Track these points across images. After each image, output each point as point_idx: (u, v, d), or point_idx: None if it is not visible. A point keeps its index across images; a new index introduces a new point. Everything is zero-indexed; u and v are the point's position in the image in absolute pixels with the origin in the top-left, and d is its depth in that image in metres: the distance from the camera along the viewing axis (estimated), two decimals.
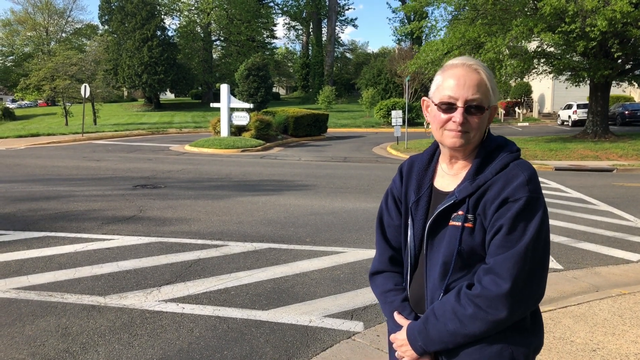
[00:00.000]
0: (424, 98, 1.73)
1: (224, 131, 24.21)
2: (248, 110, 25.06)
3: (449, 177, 1.67)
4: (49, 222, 7.76)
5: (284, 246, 6.67)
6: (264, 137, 24.13)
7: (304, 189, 11.57)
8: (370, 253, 6.43)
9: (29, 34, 69.49)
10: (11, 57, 71.14)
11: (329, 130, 31.61)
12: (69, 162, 16.04)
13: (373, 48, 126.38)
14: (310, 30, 67.46)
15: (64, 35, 70.99)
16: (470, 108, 1.55)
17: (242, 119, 24.12)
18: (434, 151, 1.75)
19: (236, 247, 6.56)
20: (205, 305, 4.71)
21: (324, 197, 10.48)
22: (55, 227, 7.45)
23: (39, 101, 66.36)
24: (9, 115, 46.78)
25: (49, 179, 12.45)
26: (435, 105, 1.61)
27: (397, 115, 23.44)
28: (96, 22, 67.43)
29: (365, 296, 4.95)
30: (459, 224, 1.55)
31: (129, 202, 9.49)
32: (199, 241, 6.84)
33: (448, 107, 1.57)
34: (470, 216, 1.55)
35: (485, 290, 1.47)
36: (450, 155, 1.66)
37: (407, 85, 25.42)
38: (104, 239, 6.83)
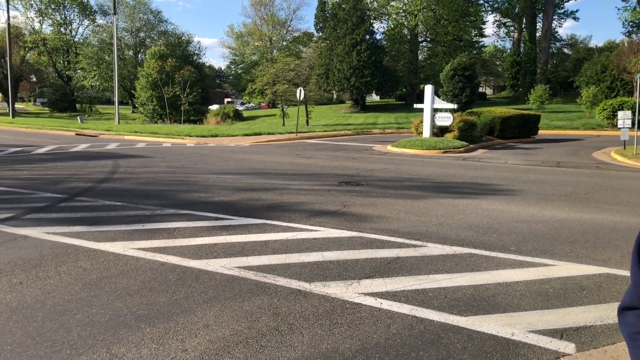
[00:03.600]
0: None
1: (426, 132, 24.10)
2: (452, 111, 24.54)
3: None
4: (266, 211, 8.63)
5: (486, 253, 6.36)
6: (467, 139, 23.38)
7: (509, 194, 10.90)
8: (586, 269, 5.76)
9: (257, 43, 78.38)
10: (241, 65, 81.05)
11: (540, 132, 29.25)
12: (284, 159, 17.63)
13: (597, 42, 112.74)
14: (523, 26, 63.20)
15: (284, 43, 78.39)
16: None
17: (445, 119, 23.73)
18: None
19: (435, 249, 6.47)
20: (403, 303, 4.74)
21: (532, 203, 9.74)
22: (271, 215, 8.25)
23: (262, 104, 74.46)
24: (238, 116, 53.40)
25: (267, 172, 13.85)
26: None
27: (624, 117, 20.60)
28: (312, 29, 72.79)
29: (579, 316, 4.45)
30: None
31: (334, 197, 10.05)
32: (398, 239, 6.91)
33: None
34: None
35: None
36: None
37: (639, 83, 22.16)
38: (310, 230, 7.34)
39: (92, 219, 7.68)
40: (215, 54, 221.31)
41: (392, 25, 59.78)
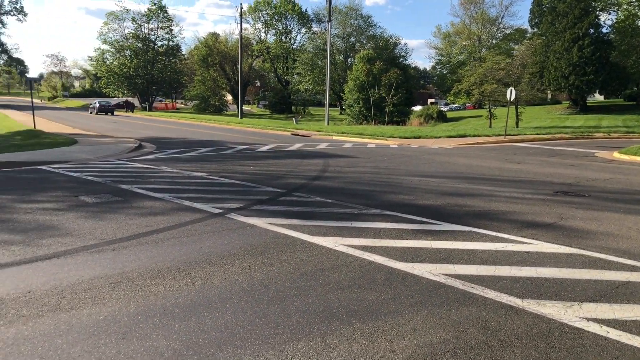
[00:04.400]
0: None
1: None
2: None
3: None
4: (472, 218, 8.35)
5: None
6: None
7: None
8: None
9: (464, 43, 76.29)
10: (447, 65, 79.74)
11: None
12: (491, 163, 16.85)
13: None
14: None
15: (493, 42, 74.81)
16: None
17: None
18: None
19: None
20: (635, 335, 4.16)
21: None
22: (478, 223, 7.95)
23: (467, 104, 72.27)
24: (441, 117, 52.69)
25: (473, 177, 13.39)
26: None
27: None
28: (526, 26, 68.12)
29: None
30: None
31: (549, 207, 9.27)
32: (629, 261, 6.08)
33: None
34: None
35: None
36: None
37: None
38: (522, 242, 6.88)
39: (307, 214, 8.32)
40: (420, 55, 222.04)
41: (622, 17, 52.73)
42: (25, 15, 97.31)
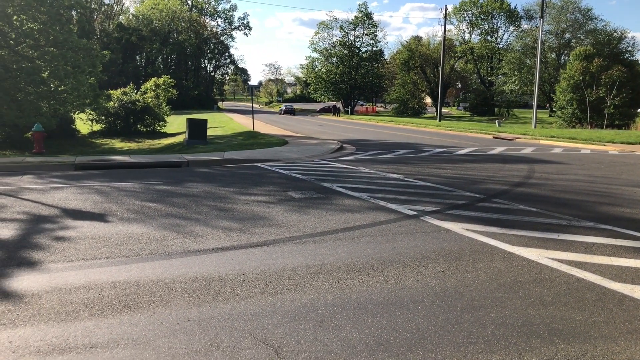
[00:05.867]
0: None
1: None
2: None
3: None
4: None
5: None
6: None
7: None
8: None
9: None
10: None
11: None
12: None
13: None
14: None
15: None
16: None
17: None
18: None
19: None
20: None
21: None
22: None
23: None
24: None
25: None
26: None
27: None
28: None
29: None
30: None
31: None
32: None
33: None
34: None
35: None
36: None
37: None
38: None
39: (507, 222, 7.85)
40: None
41: None
42: (250, 29, 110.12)
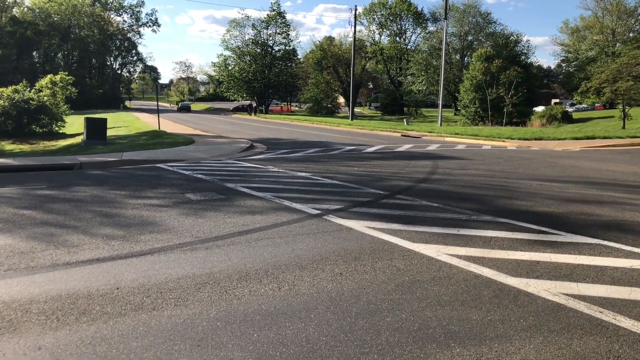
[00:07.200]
0: None
1: None
2: None
3: None
4: (602, 229, 7.26)
5: None
6: None
7: None
8: None
9: (595, 38, 69.98)
10: (574, 63, 73.71)
11: None
12: (625, 167, 14.96)
13: None
14: None
15: (630, 35, 67.76)
16: None
17: None
18: None
19: None
20: None
21: None
22: (608, 235, 6.88)
23: (596, 104, 66.20)
24: (566, 118, 48.55)
25: (602, 182, 11.90)
26: None
27: None
28: None
29: None
30: None
31: None
32: None
33: None
34: None
35: None
36: None
37: None
38: None
39: (409, 218, 7.75)
40: (544, 53, 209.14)
41: None
42: (159, 26, 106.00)
